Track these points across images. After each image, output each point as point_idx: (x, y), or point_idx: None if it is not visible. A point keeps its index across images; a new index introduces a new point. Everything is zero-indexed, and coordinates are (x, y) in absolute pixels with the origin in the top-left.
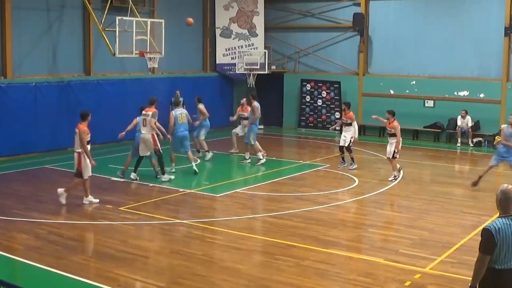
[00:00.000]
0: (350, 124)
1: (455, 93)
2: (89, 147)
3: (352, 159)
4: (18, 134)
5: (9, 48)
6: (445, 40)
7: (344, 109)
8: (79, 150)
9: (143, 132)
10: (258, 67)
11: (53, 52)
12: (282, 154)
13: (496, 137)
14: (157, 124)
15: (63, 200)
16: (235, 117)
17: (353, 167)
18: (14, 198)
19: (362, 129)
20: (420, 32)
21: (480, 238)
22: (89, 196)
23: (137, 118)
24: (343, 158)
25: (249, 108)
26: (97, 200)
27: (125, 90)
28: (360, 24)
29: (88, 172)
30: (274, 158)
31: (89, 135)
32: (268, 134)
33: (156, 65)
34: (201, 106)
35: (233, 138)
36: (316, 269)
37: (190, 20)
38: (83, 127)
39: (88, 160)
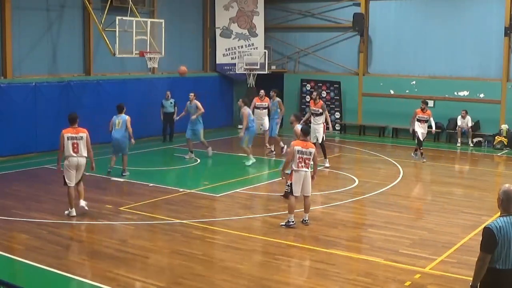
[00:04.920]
0: (426, 121)
1: (455, 93)
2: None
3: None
4: (18, 134)
5: (9, 48)
6: (445, 40)
7: (424, 108)
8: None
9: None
10: (258, 67)
11: (53, 52)
12: (282, 154)
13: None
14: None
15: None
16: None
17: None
18: (14, 198)
19: (362, 129)
20: (420, 32)
21: (480, 238)
22: None
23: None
24: (420, 152)
25: (267, 99)
26: None
27: (125, 90)
28: (360, 24)
29: None
30: (274, 158)
31: None
32: None
33: (156, 65)
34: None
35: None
36: (316, 269)
37: (183, 69)
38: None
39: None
